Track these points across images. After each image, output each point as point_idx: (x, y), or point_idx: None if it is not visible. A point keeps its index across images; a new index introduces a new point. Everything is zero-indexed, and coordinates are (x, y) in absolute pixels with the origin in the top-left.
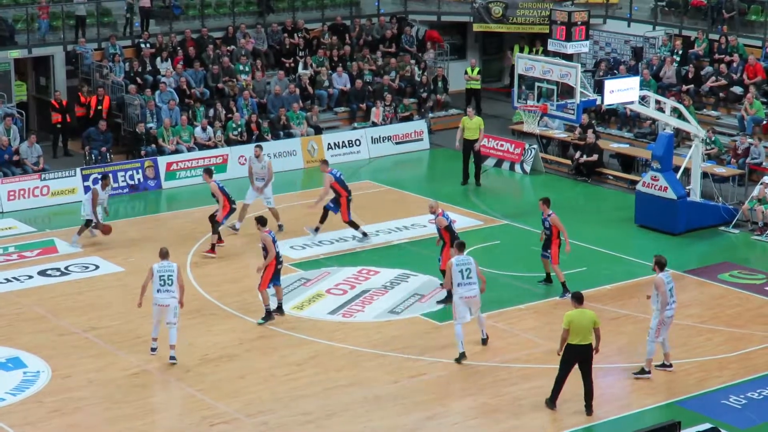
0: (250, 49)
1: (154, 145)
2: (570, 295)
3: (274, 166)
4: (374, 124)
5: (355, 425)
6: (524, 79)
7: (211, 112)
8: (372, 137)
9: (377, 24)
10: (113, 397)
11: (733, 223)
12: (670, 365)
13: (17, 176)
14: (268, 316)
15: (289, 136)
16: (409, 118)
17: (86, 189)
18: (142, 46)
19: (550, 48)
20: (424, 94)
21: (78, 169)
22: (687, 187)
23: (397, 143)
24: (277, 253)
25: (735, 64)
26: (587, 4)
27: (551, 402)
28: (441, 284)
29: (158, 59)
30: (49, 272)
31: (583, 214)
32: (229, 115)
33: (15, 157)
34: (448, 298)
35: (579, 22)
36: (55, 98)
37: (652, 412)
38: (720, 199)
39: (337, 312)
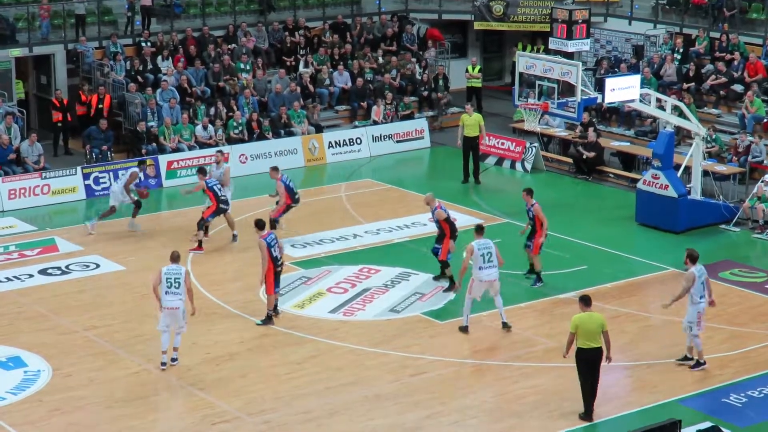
0: (251, 47)
1: (154, 144)
2: (542, 284)
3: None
4: (375, 123)
5: (356, 424)
6: (525, 77)
7: (212, 110)
8: (373, 136)
9: (378, 22)
10: (114, 396)
11: (734, 221)
12: (691, 359)
13: (18, 175)
14: (268, 319)
15: (290, 134)
16: (409, 117)
17: (87, 188)
18: (143, 44)
19: (551, 46)
20: (425, 92)
21: (79, 168)
22: (688, 186)
23: (397, 141)
24: (275, 257)
25: (736, 62)
26: (588, 2)
27: (587, 415)
28: (434, 277)
29: (159, 58)
30: (49, 271)
31: (583, 213)
32: (230, 114)
33: (15, 156)
34: (452, 285)
35: (580, 20)
36: (55, 97)
37: (653, 410)
38: (721, 197)
39: (337, 311)
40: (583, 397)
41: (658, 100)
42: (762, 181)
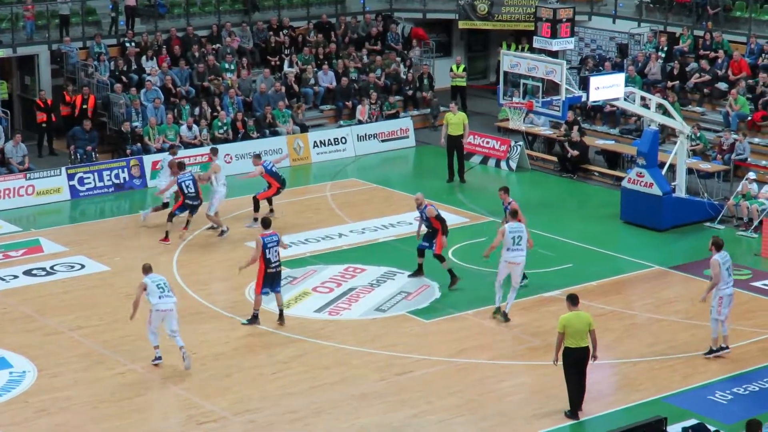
0: (235, 47)
1: (139, 144)
2: (526, 281)
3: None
4: (360, 122)
5: (343, 423)
6: (510, 76)
7: (197, 110)
8: (358, 135)
9: (363, 22)
10: (100, 397)
11: (719, 218)
12: (727, 348)
13: (2, 176)
14: (254, 319)
15: (275, 134)
16: (394, 116)
17: (71, 188)
18: (128, 44)
19: (535, 45)
20: (410, 92)
21: (63, 169)
22: (672, 183)
23: (383, 141)
24: (268, 258)
25: (720, 60)
26: (572, 1)
27: (573, 413)
28: (409, 274)
29: (143, 58)
30: (34, 272)
31: (568, 211)
32: (215, 114)
33: (0, 157)
34: (453, 279)
35: (564, 19)
36: (40, 97)
37: (638, 408)
38: (705, 195)
39: (323, 310)
40: (569, 396)
41: (643, 98)
42: (746, 179)
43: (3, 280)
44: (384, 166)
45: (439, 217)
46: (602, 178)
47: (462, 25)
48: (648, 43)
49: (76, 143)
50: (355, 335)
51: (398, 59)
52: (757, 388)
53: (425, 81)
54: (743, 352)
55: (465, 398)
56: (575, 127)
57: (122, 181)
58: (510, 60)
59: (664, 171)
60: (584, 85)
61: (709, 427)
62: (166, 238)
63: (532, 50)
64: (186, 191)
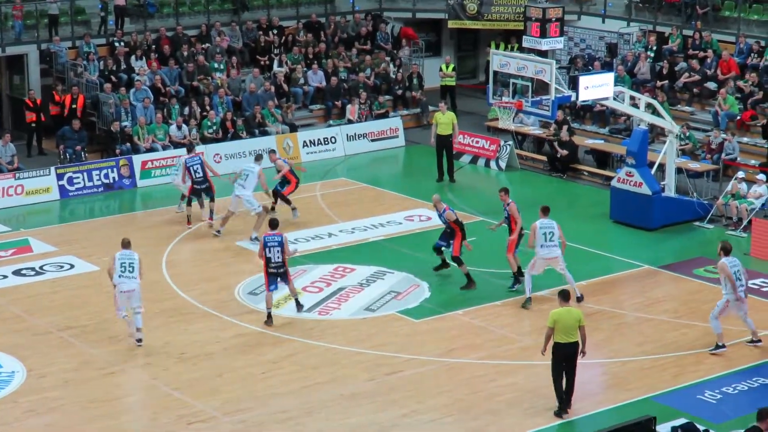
0: (224, 46)
1: (128, 144)
2: (518, 286)
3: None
4: (350, 122)
5: (333, 422)
6: (499, 75)
7: (186, 110)
8: (347, 135)
9: (352, 21)
10: (89, 397)
11: (708, 218)
12: (759, 340)
13: None
14: (268, 318)
15: (265, 133)
16: (384, 116)
17: (61, 188)
18: (117, 44)
19: (524, 44)
20: (400, 91)
21: (52, 168)
22: (661, 183)
23: (372, 140)
24: (269, 258)
25: (709, 60)
26: (561, 0)
27: (561, 411)
28: (435, 267)
29: (133, 57)
30: (23, 272)
31: (558, 210)
32: (204, 113)
33: None
34: (470, 283)
35: (553, 19)
36: (29, 97)
37: (628, 407)
38: (694, 194)
39: (313, 310)
40: (557, 394)
41: (632, 97)
42: (735, 178)
43: None
44: (374, 166)
45: (457, 222)
46: (592, 178)
47: (451, 24)
48: (637, 43)
49: (66, 143)
50: (345, 335)
51: (388, 59)
52: (746, 387)
53: (415, 80)
54: (732, 351)
55: (455, 398)
56: (564, 127)
57: (112, 180)
58: (499, 59)
59: (653, 170)
60: (574, 84)
61: (699, 426)
62: (188, 222)
63: (521, 50)
64: (194, 176)
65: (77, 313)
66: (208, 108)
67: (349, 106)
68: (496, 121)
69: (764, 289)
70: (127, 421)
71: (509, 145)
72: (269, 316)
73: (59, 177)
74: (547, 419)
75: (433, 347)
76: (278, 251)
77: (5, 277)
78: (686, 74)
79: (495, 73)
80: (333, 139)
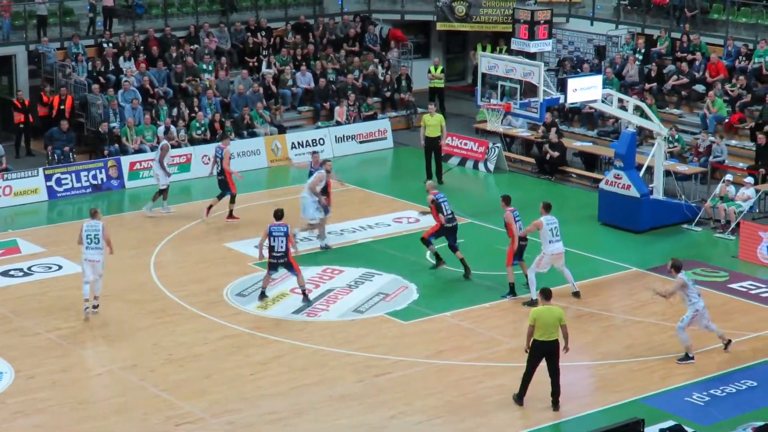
0: (213, 48)
1: (117, 145)
2: (512, 297)
3: (238, 166)
4: (338, 123)
5: (322, 424)
6: (487, 77)
7: (175, 111)
8: (336, 136)
9: (341, 23)
10: (77, 398)
11: (696, 220)
12: (729, 340)
13: None
14: (262, 295)
15: (253, 135)
16: (372, 117)
17: (49, 189)
18: (105, 45)
19: (513, 47)
20: (388, 93)
21: (41, 169)
22: (650, 185)
23: (360, 142)
24: (272, 246)
25: (697, 63)
26: (550, 3)
27: (519, 398)
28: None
29: (121, 58)
30: (11, 273)
31: None
32: (193, 115)
33: None
34: (438, 263)
35: (542, 21)
36: (17, 98)
37: (616, 409)
38: (683, 197)
39: (301, 311)
40: (522, 382)
41: (620, 100)
42: (723, 181)
43: None
44: (362, 168)
45: (435, 203)
46: (580, 180)
47: (440, 26)
48: (626, 45)
49: (54, 144)
50: (334, 336)
51: (376, 60)
52: (734, 390)
53: (403, 82)
54: (720, 354)
55: (443, 399)
56: (553, 129)
57: (100, 181)
58: (488, 62)
59: (641, 173)
60: (562, 86)
61: (687, 428)
62: (231, 216)
63: (509, 52)
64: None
65: (65, 314)
66: (196, 109)
67: (337, 108)
68: (484, 123)
69: (752, 292)
70: (115, 423)
71: (497, 147)
72: (263, 294)
73: (47, 178)
74: (536, 421)
75: (421, 349)
76: (282, 241)
77: None
78: (674, 77)
79: (483, 75)
80: (321, 141)
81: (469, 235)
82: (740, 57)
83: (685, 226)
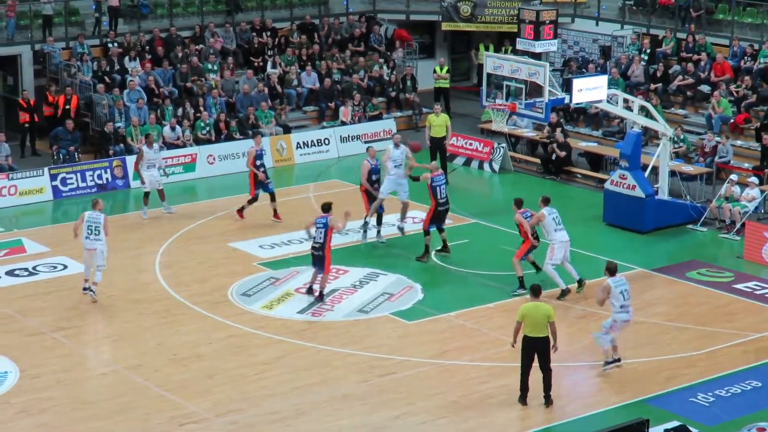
0: (218, 48)
1: (122, 145)
2: (522, 291)
3: (243, 166)
4: (343, 123)
5: (325, 424)
6: (493, 78)
7: (180, 111)
8: (341, 136)
9: (346, 23)
10: (81, 398)
11: (701, 221)
12: (618, 359)
13: None
14: (320, 298)
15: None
16: (377, 117)
17: (54, 189)
18: (110, 45)
19: (518, 47)
20: (393, 93)
21: (46, 169)
22: (655, 186)
23: (366, 142)
24: (313, 236)
25: (702, 63)
26: (555, 3)
27: (522, 399)
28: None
29: (126, 58)
30: (17, 272)
31: None
32: (198, 114)
33: None
34: (425, 254)
35: (547, 21)
36: (22, 98)
37: (620, 410)
38: (688, 197)
39: (305, 311)
40: (521, 383)
41: (626, 100)
42: (729, 181)
43: None
44: None
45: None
46: (585, 180)
47: (445, 26)
48: (631, 46)
49: (59, 143)
50: (338, 336)
51: (381, 60)
52: (739, 390)
53: (408, 82)
54: (725, 354)
55: (447, 400)
56: (558, 129)
57: (105, 181)
58: (493, 62)
59: (646, 173)
60: (567, 87)
61: (692, 429)
62: (276, 215)
63: (515, 52)
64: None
65: (70, 313)
66: (201, 109)
67: (342, 108)
68: (489, 123)
69: (757, 293)
70: (118, 422)
71: (503, 147)
72: (310, 289)
73: (53, 177)
74: (541, 421)
75: (425, 349)
76: (321, 232)
77: None
78: (680, 77)
79: (489, 75)
80: (326, 141)
81: (473, 235)
82: (746, 57)
83: (690, 226)
